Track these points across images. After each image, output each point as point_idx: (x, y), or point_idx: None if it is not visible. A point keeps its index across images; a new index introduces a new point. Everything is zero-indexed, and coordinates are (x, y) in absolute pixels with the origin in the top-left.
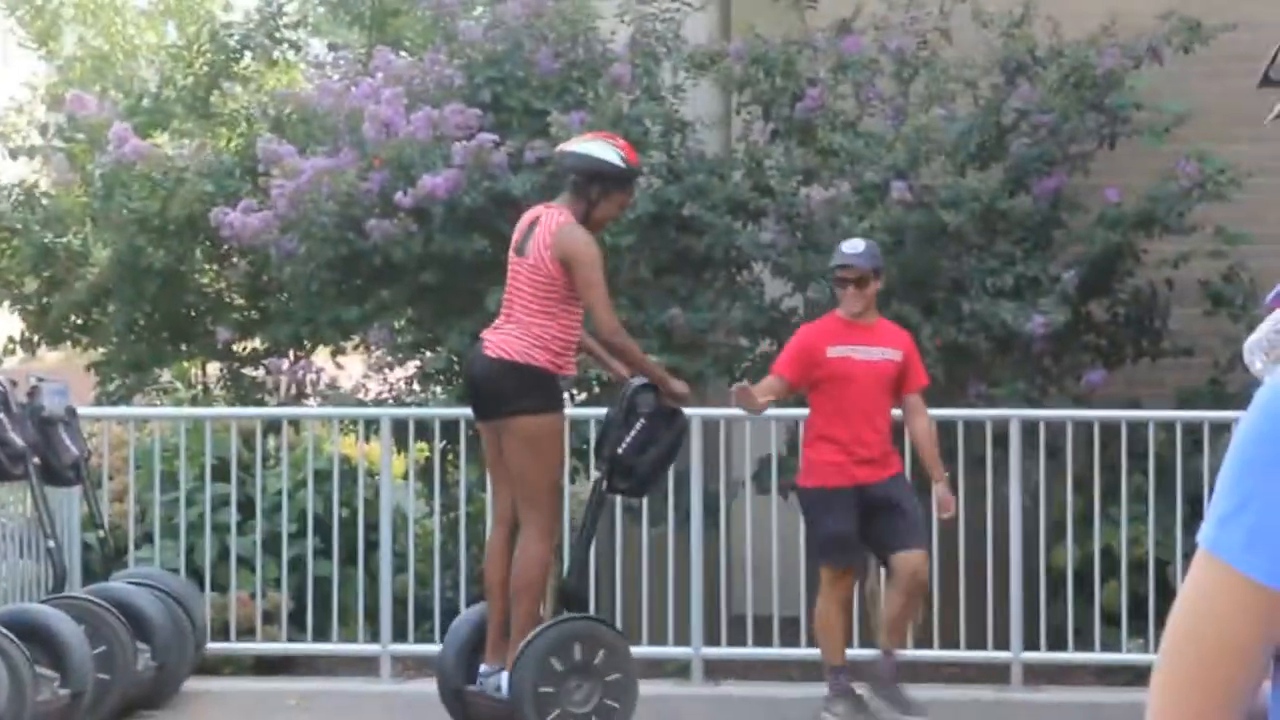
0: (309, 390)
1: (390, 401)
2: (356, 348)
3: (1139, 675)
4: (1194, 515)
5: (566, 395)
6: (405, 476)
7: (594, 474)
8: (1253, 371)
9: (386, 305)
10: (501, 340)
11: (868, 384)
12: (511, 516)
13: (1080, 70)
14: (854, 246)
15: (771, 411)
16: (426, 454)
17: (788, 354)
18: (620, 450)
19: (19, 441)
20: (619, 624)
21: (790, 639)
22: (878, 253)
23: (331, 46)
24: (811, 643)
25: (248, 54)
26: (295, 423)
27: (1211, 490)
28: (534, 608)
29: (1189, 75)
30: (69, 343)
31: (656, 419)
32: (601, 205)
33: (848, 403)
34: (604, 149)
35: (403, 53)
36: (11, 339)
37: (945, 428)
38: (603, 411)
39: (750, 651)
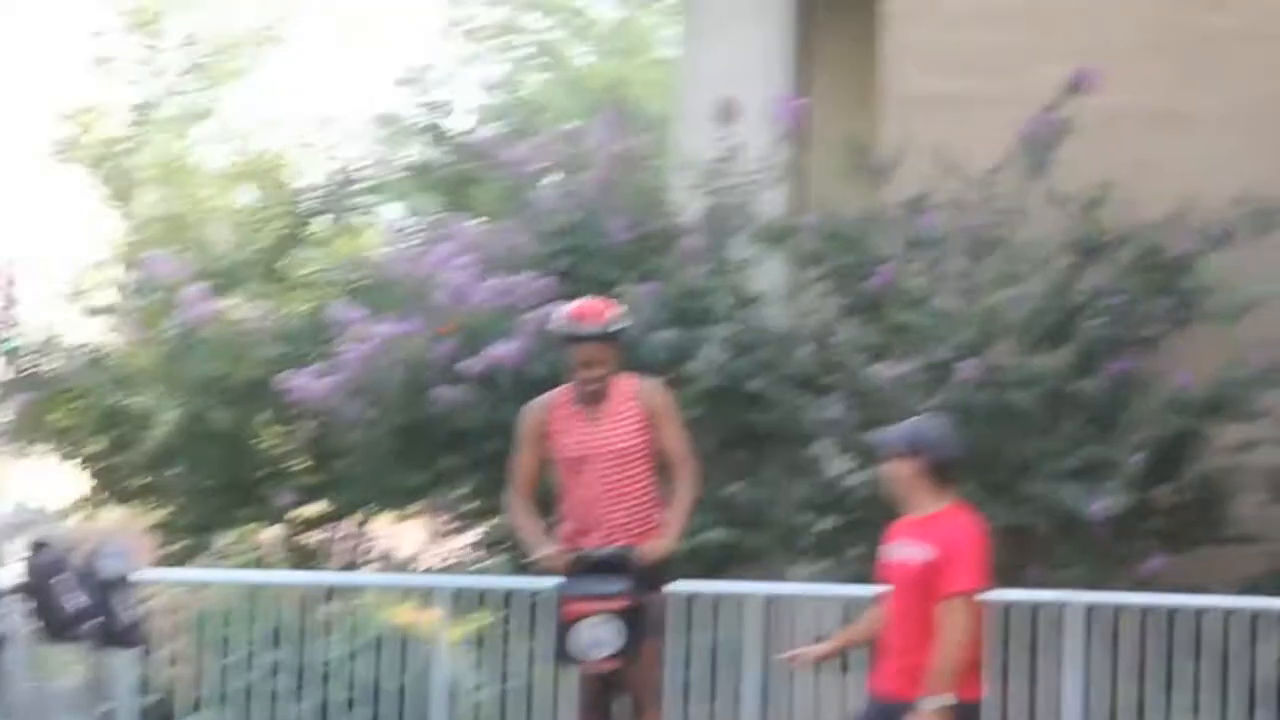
0: (368, 557)
1: (451, 569)
2: (418, 514)
3: None
4: (1253, 706)
5: None
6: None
7: None
8: None
9: (450, 472)
10: None
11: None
12: None
13: (1152, 253)
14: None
15: (836, 588)
16: (484, 623)
17: None
18: None
19: (79, 602)
20: None
21: None
22: (920, 432)
23: (409, 213)
24: None
25: (320, 218)
26: (352, 590)
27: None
28: None
29: (1262, 260)
30: (132, 502)
31: None
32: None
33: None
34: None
35: (477, 220)
36: (77, 498)
37: (1004, 612)
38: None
39: None
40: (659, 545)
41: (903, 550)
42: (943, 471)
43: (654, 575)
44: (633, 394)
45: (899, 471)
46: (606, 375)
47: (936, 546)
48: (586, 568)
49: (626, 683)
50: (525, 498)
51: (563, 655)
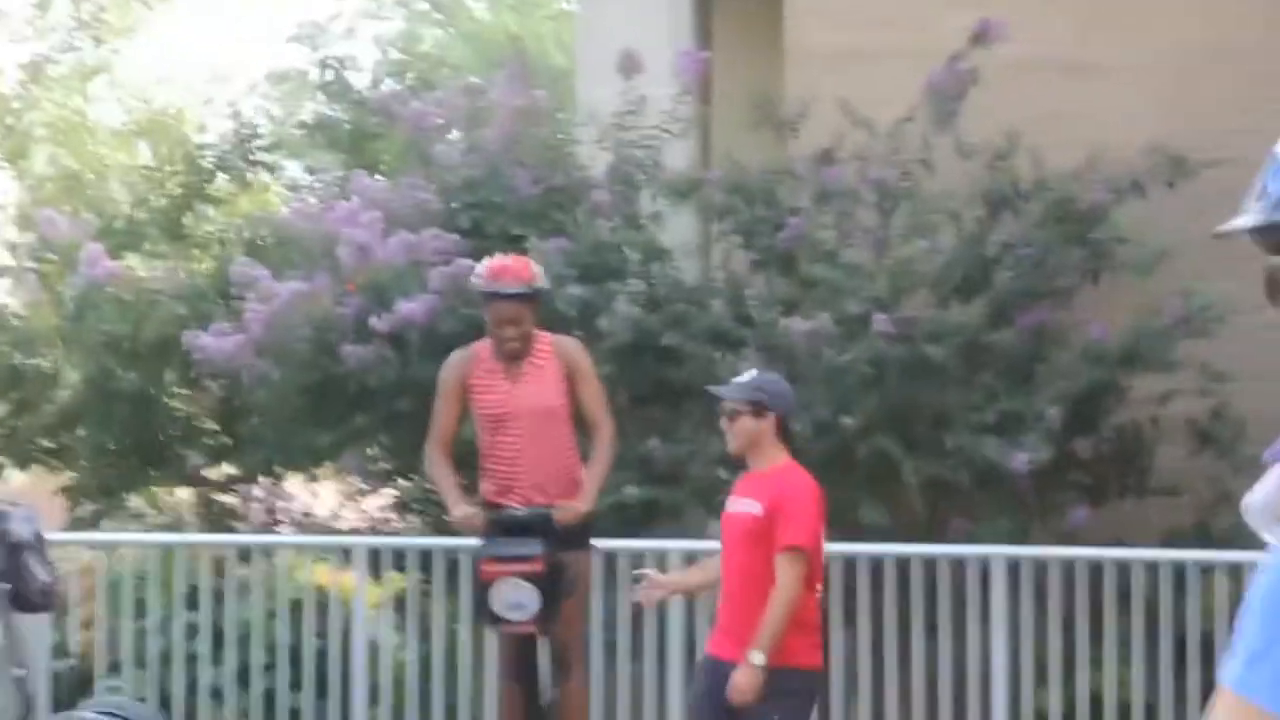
0: (282, 518)
1: (366, 530)
2: (330, 475)
3: None
4: (1180, 658)
5: None
6: (379, 607)
7: None
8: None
9: (361, 432)
10: None
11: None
12: None
13: (1064, 204)
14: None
15: None
16: (402, 585)
17: None
18: None
19: None
20: None
21: None
22: (761, 385)
23: (309, 170)
24: None
25: (221, 176)
26: (268, 551)
27: (1202, 635)
28: None
29: (1174, 210)
30: (37, 466)
31: None
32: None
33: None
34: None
35: (379, 176)
36: None
37: (927, 565)
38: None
39: None
40: (576, 506)
41: (738, 505)
42: (786, 428)
43: (572, 536)
44: (552, 352)
45: (746, 426)
46: (527, 334)
47: (768, 502)
48: (504, 528)
49: (550, 643)
50: (444, 452)
51: (482, 616)
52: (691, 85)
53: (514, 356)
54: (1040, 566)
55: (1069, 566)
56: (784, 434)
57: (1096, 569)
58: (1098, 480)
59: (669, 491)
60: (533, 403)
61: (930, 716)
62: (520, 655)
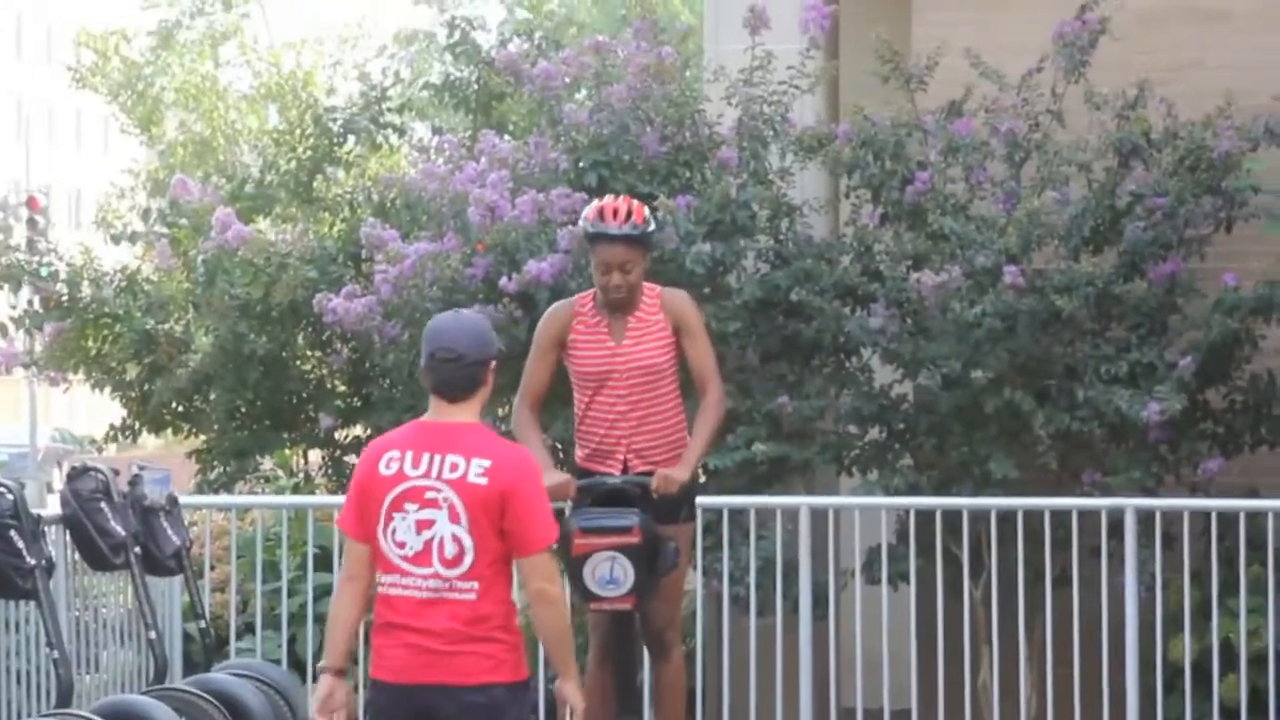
0: None
1: None
2: None
3: None
4: None
5: None
6: None
7: None
8: None
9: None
10: None
11: None
12: None
13: (1196, 153)
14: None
15: (882, 500)
16: None
17: None
18: None
19: (120, 531)
20: (726, 716)
21: None
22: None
23: (436, 130)
24: None
25: (350, 138)
26: None
27: None
28: None
29: None
30: (170, 430)
31: None
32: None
33: None
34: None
35: (507, 136)
36: (113, 426)
37: (1059, 517)
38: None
39: None
40: (676, 474)
41: None
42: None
43: (672, 506)
44: (660, 306)
45: (487, 377)
46: (634, 283)
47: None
48: (598, 498)
49: (645, 620)
50: (533, 413)
51: (574, 592)
52: (818, 40)
53: (619, 308)
54: (1173, 517)
55: (1202, 517)
56: (428, 384)
57: (1229, 519)
58: (1230, 430)
59: (798, 448)
60: (636, 361)
61: (1061, 667)
62: (616, 635)
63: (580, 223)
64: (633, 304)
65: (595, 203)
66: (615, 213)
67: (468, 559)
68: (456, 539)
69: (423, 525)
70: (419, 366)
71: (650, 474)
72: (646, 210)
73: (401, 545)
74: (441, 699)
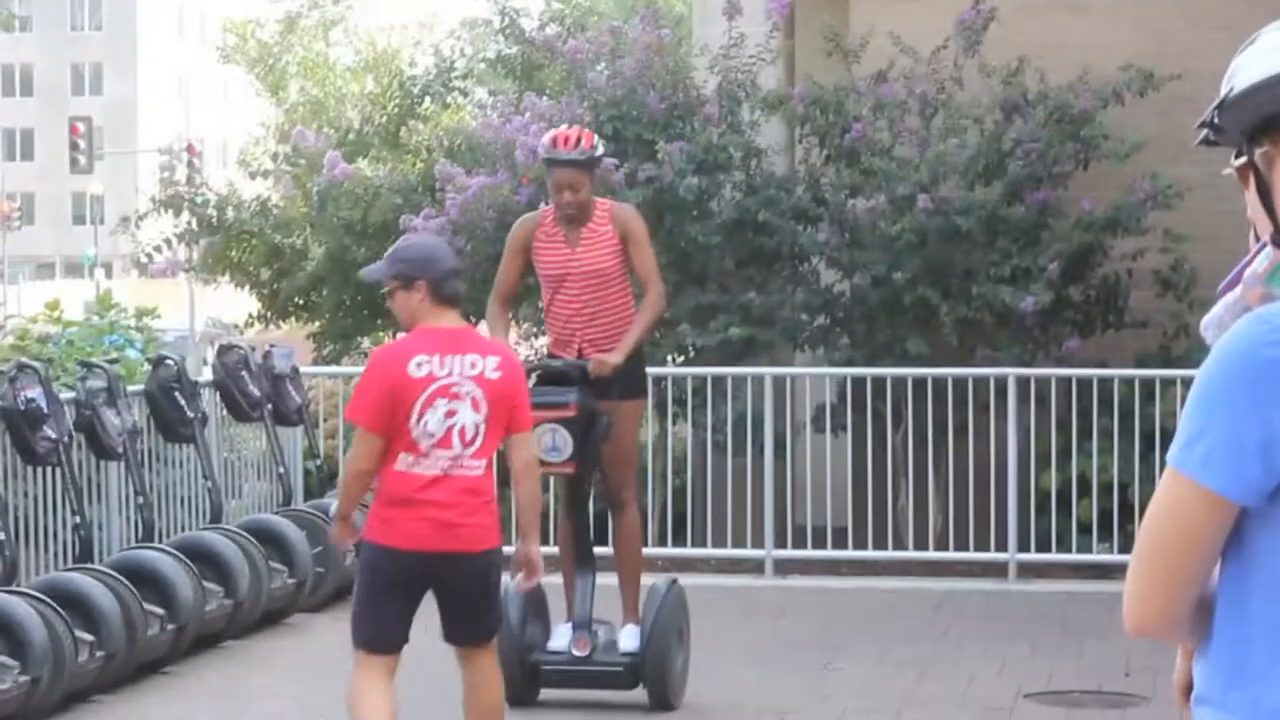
0: None
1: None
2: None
3: (1105, 571)
4: (1148, 449)
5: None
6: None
7: None
8: (1207, 342)
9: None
10: None
11: None
12: None
13: (1061, 109)
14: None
15: (828, 370)
16: None
17: None
18: None
19: (256, 392)
20: (709, 533)
21: (840, 543)
22: (400, 254)
23: (491, 93)
24: (857, 546)
25: (427, 99)
26: None
27: (1161, 431)
28: None
29: (1145, 113)
30: (293, 318)
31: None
32: None
33: None
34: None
35: (545, 97)
36: (251, 315)
37: (959, 382)
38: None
39: (810, 553)
40: (609, 359)
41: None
42: (440, 291)
43: (609, 386)
44: (609, 218)
45: (399, 301)
46: (584, 201)
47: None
48: (544, 378)
49: (605, 481)
50: (502, 306)
51: None
52: (779, 24)
53: (573, 221)
54: (1044, 383)
55: (1065, 383)
56: (439, 297)
57: (1085, 384)
58: (1087, 318)
59: (763, 331)
60: (588, 265)
61: (961, 497)
62: (570, 495)
63: (539, 149)
64: (585, 217)
65: (551, 131)
66: (567, 140)
67: (479, 440)
68: (475, 425)
69: (449, 414)
70: (407, 283)
71: (587, 360)
72: (595, 137)
73: (431, 435)
74: (450, 565)
